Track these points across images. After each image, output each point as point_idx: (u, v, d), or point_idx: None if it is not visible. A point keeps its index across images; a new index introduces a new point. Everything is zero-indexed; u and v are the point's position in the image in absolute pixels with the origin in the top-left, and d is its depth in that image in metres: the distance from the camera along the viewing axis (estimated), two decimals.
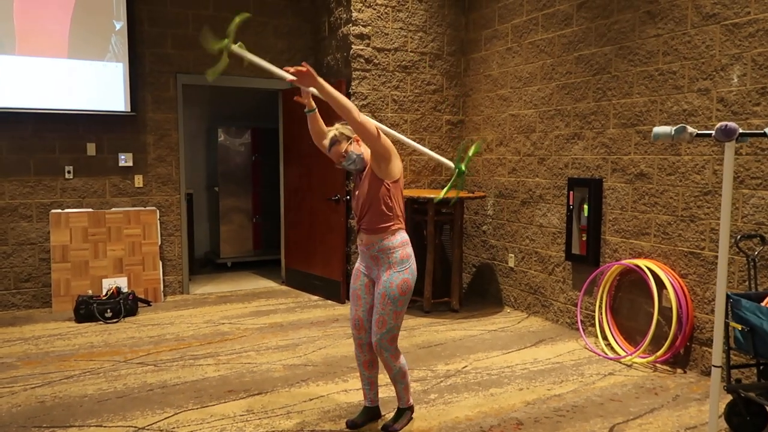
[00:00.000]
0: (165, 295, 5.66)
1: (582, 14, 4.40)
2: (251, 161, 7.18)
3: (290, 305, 5.36)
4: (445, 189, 2.87)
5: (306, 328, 4.62)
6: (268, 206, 7.31)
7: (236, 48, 2.56)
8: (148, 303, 5.31)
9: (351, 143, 2.71)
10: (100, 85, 5.13)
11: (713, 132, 1.60)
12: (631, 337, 4.12)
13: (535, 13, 4.86)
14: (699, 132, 1.73)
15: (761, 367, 2.85)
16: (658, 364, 3.82)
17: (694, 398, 3.29)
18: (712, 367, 1.74)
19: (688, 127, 1.71)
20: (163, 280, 5.65)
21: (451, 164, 2.92)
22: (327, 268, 5.55)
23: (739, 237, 3.07)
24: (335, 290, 5.46)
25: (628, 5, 4.03)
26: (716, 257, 3.55)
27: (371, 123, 2.56)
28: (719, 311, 1.82)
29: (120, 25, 5.13)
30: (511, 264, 5.27)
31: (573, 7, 4.48)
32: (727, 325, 2.84)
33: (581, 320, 4.47)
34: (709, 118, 3.54)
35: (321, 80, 2.48)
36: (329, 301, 5.50)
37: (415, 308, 5.25)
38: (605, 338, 4.26)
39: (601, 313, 4.26)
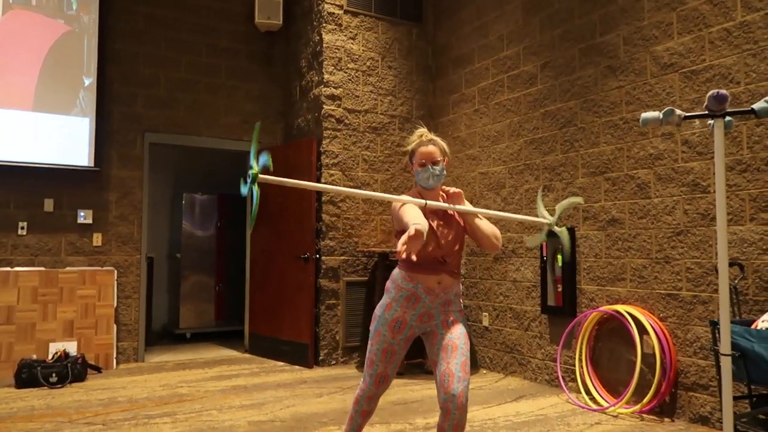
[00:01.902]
0: (118, 363, 5.25)
1: (546, 73, 4.61)
2: (216, 227, 7.01)
3: (254, 370, 5.03)
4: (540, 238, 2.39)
5: (272, 390, 4.30)
6: (232, 274, 7.07)
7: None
8: (98, 370, 4.90)
9: (444, 160, 2.43)
10: (63, 139, 5.01)
11: (705, 102, 1.61)
12: (614, 389, 3.97)
13: (500, 76, 5.07)
14: (687, 114, 1.75)
15: (754, 399, 2.74)
16: (644, 414, 3.66)
17: None
18: (722, 356, 1.64)
19: (676, 110, 1.72)
20: (117, 346, 5.26)
21: (546, 220, 2.36)
22: (294, 330, 5.29)
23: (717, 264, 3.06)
24: (303, 354, 5.17)
25: (588, 62, 4.24)
26: (695, 297, 3.52)
27: (496, 231, 2.42)
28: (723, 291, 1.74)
29: (89, 81, 5.11)
30: (486, 323, 5.13)
31: (537, 68, 4.69)
32: (716, 353, 2.75)
33: (561, 376, 4.31)
34: (675, 160, 3.64)
35: (466, 208, 2.29)
36: (296, 366, 5.19)
37: None
38: (588, 392, 4.09)
39: (582, 366, 4.12)
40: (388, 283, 2.44)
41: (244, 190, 1.92)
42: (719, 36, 3.43)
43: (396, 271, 2.43)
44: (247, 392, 4.22)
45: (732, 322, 2.71)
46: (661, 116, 1.77)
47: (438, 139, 2.44)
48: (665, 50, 3.72)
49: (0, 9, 4.77)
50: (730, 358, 1.62)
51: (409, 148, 2.46)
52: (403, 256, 1.86)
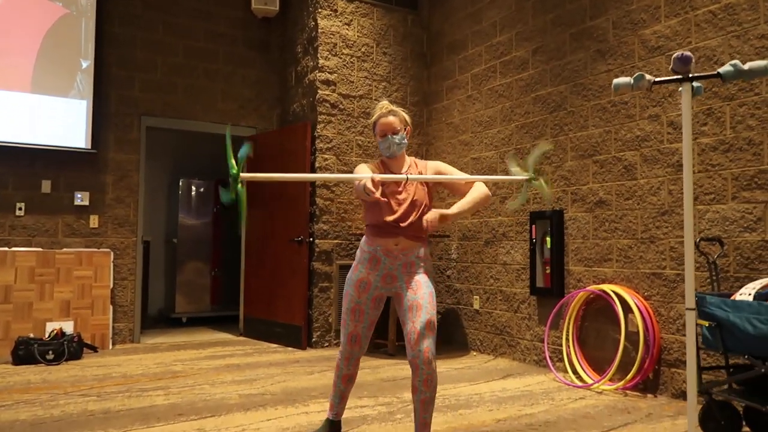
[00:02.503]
0: (114, 343, 5.32)
1: (537, 58, 4.66)
2: (212, 213, 7.07)
3: (248, 351, 5.11)
4: (518, 200, 2.42)
5: (265, 368, 4.38)
6: (228, 260, 7.14)
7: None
8: (94, 349, 4.97)
9: (404, 129, 2.56)
10: (61, 121, 5.07)
11: (671, 65, 1.67)
12: (600, 367, 4.04)
13: (493, 62, 5.12)
14: (657, 80, 1.81)
15: (731, 369, 2.81)
16: (628, 391, 3.73)
17: (667, 415, 3.20)
18: (687, 311, 1.70)
19: (646, 75, 1.79)
20: (113, 327, 5.33)
21: (523, 175, 2.41)
22: (288, 313, 5.36)
23: (698, 240, 3.13)
24: (296, 336, 5.24)
25: (579, 46, 4.30)
26: (678, 275, 3.58)
27: (481, 186, 2.49)
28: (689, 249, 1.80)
29: (87, 63, 5.16)
30: (476, 306, 5.20)
31: (529, 53, 4.75)
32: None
33: (549, 356, 4.38)
34: (661, 141, 3.70)
35: (452, 212, 2.37)
36: (289, 348, 5.27)
37: (380, 352, 5.07)
38: (575, 371, 4.16)
39: (569, 345, 4.19)
40: (358, 250, 2.60)
41: (225, 197, 1.93)
42: (705, 18, 3.49)
43: (363, 238, 2.60)
44: (239, 370, 4.29)
45: (710, 295, 2.78)
46: (632, 81, 1.83)
47: (399, 110, 2.59)
48: (653, 33, 3.78)
49: None
50: (694, 312, 1.69)
51: (372, 120, 2.61)
52: (376, 196, 2.13)
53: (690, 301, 1.71)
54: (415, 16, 5.94)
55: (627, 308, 3.83)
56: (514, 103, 4.87)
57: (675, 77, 1.71)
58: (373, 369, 4.38)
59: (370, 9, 5.69)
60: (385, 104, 2.60)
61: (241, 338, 5.83)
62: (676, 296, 3.58)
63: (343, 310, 2.58)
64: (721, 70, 1.70)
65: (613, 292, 3.88)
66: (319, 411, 3.20)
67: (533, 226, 4.57)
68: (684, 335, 3.51)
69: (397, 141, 2.51)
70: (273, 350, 5.14)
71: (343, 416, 3.10)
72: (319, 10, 5.44)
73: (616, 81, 1.87)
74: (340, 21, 5.53)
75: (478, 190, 2.50)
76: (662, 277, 3.67)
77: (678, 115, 3.61)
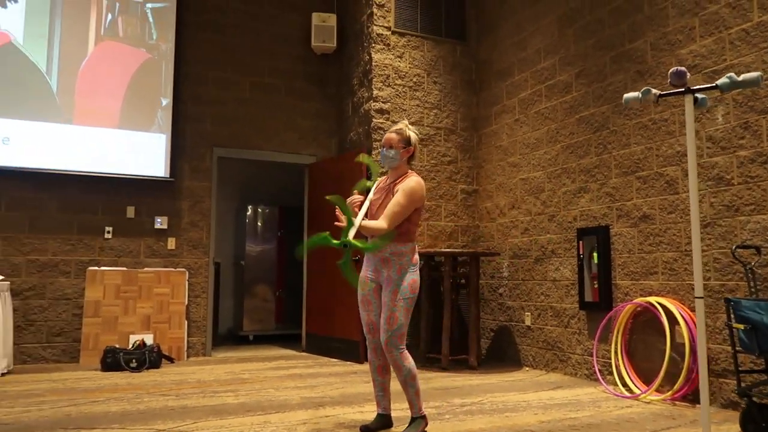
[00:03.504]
0: (188, 356, 5.78)
1: (580, 81, 4.86)
2: (277, 237, 7.54)
3: (309, 364, 5.43)
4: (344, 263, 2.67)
5: (324, 377, 4.68)
6: (291, 281, 7.55)
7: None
8: (171, 360, 5.43)
9: (403, 148, 2.94)
10: (144, 154, 5.67)
11: (669, 80, 1.88)
12: (649, 378, 4.10)
13: (538, 86, 5.35)
14: (661, 93, 2.02)
15: None
16: (677, 401, 3.79)
17: (712, 422, 3.26)
18: (696, 300, 1.87)
19: (652, 89, 1.99)
20: (187, 341, 5.79)
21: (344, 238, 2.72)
22: (346, 328, 5.66)
23: (735, 247, 3.22)
24: (354, 350, 5.53)
25: (619, 68, 4.48)
26: (722, 286, 3.65)
27: (396, 217, 2.82)
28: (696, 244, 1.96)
29: (166, 101, 5.76)
30: (528, 322, 5.33)
31: (572, 76, 4.96)
32: (730, 328, 2.92)
33: (599, 369, 4.46)
34: (701, 155, 3.81)
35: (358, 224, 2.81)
36: (348, 362, 5.55)
37: (434, 366, 5.27)
38: (624, 383, 4.24)
39: (617, 358, 4.27)
40: None
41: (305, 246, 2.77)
42: (738, 36, 3.62)
43: None
44: (301, 378, 4.61)
45: (745, 299, 2.87)
46: (640, 95, 2.05)
47: (406, 130, 2.98)
48: (689, 53, 3.93)
49: (93, 40, 5.52)
50: (702, 300, 1.85)
51: None
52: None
53: (699, 290, 1.88)
54: (463, 46, 6.27)
55: (673, 320, 3.90)
56: (560, 124, 5.07)
57: (677, 90, 1.92)
58: (426, 380, 4.60)
59: (421, 42, 6.06)
60: (402, 123, 3.03)
61: (303, 354, 6.17)
62: (721, 306, 3.64)
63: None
64: (719, 82, 1.89)
65: (659, 304, 3.97)
66: (374, 411, 3.45)
67: (580, 242, 4.71)
68: (729, 345, 3.56)
69: (389, 156, 2.96)
70: (333, 363, 5.44)
71: (395, 415, 3.34)
72: (373, 45, 5.85)
73: (626, 96, 2.09)
74: (393, 54, 5.92)
75: (378, 224, 2.78)
76: (707, 288, 3.73)
77: (716, 130, 3.72)
